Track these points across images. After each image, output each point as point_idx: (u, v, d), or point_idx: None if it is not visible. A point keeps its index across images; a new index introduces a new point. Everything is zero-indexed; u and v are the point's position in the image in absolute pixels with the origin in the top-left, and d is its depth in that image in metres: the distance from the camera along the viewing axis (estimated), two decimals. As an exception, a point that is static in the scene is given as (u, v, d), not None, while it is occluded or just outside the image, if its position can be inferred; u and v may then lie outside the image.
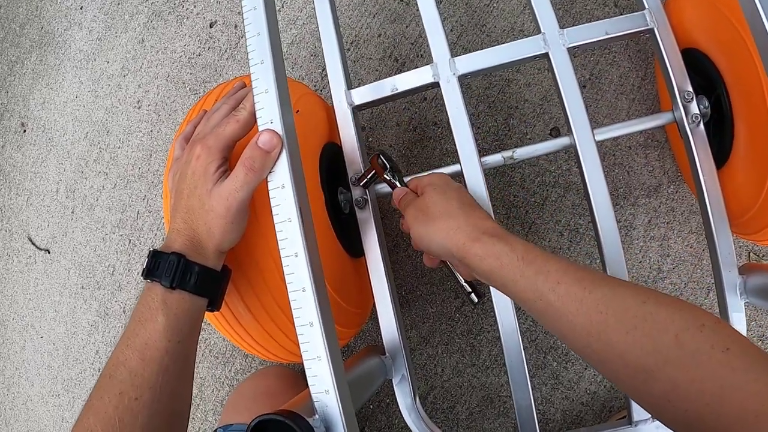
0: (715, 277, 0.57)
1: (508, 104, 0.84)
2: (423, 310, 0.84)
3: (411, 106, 0.88)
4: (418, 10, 0.65)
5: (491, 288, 0.57)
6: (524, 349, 0.59)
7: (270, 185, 0.42)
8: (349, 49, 0.93)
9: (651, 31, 0.57)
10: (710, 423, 0.30)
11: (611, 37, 0.58)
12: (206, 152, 0.42)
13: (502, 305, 0.58)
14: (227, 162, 0.44)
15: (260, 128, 0.42)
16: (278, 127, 0.42)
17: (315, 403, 0.40)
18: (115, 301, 1.01)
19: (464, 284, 0.56)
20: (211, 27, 1.01)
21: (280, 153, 0.41)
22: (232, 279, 0.48)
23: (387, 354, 0.62)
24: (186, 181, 0.43)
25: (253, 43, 0.45)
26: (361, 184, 0.60)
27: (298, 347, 0.40)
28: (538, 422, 0.58)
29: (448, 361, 0.82)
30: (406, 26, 0.91)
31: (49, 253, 1.08)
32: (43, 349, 1.07)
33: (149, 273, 0.41)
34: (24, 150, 1.14)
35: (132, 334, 0.40)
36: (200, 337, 0.60)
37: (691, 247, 0.75)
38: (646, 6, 0.58)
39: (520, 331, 0.58)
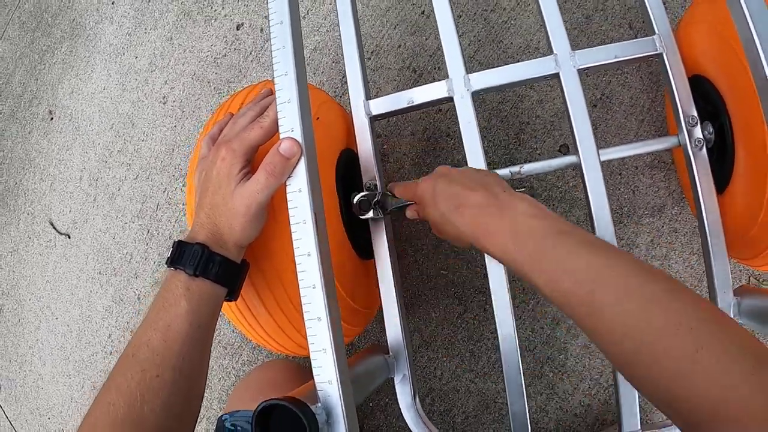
0: (710, 297, 0.59)
1: (520, 119, 0.87)
2: (426, 314, 0.86)
3: (426, 116, 0.91)
4: (437, 25, 0.68)
5: (492, 295, 0.60)
6: (522, 358, 0.60)
7: (288, 189, 0.45)
8: (369, 58, 0.96)
9: (660, 56, 0.60)
10: (708, 416, 0.31)
11: (620, 61, 0.61)
12: (231, 155, 0.46)
13: (502, 314, 0.60)
14: (250, 165, 0.47)
15: (281, 136, 0.45)
16: (298, 135, 0.45)
17: (318, 392, 0.42)
18: (131, 288, 1.05)
19: None
20: (237, 29, 1.05)
21: (299, 160, 0.44)
22: (249, 273, 0.51)
23: (390, 353, 0.64)
24: (211, 180, 0.46)
25: (278, 55, 0.48)
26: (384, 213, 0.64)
27: (306, 340, 0.43)
28: (532, 430, 0.60)
29: (448, 365, 0.85)
30: (426, 38, 0.94)
31: (69, 237, 1.12)
32: (58, 330, 1.11)
33: (174, 261, 0.45)
34: (50, 137, 1.19)
35: (155, 318, 0.43)
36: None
37: (691, 268, 0.77)
38: (657, 31, 0.60)
39: (519, 340, 0.61)
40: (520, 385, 0.60)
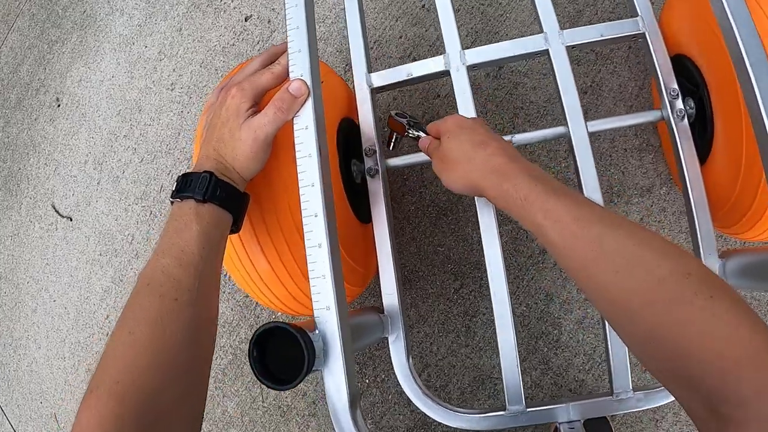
0: (696, 260, 0.61)
1: (514, 105, 0.90)
2: (423, 290, 0.88)
3: (425, 101, 0.94)
4: (437, 16, 0.71)
5: (488, 270, 0.61)
6: (516, 333, 0.61)
7: (295, 126, 0.47)
8: (372, 48, 1.00)
9: (642, 35, 0.63)
10: (690, 367, 0.31)
11: (606, 39, 0.64)
12: (240, 93, 0.48)
13: (498, 289, 0.62)
14: (257, 106, 0.50)
15: (291, 78, 0.48)
16: (307, 79, 0.48)
17: (316, 319, 0.44)
18: (131, 269, 1.07)
19: None
20: (246, 20, 1.09)
21: (306, 100, 0.47)
22: (249, 215, 0.53)
23: (385, 312, 0.66)
24: (220, 116, 0.49)
25: (291, 12, 0.52)
26: (389, 147, 0.65)
27: (308, 297, 0.44)
28: (527, 406, 0.60)
29: (444, 340, 0.86)
30: (426, 30, 0.98)
31: (71, 220, 1.14)
32: (54, 312, 1.12)
33: (180, 191, 0.46)
34: (56, 123, 1.22)
35: (168, 244, 0.44)
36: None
37: (680, 245, 0.80)
38: (639, 13, 0.64)
39: (514, 315, 0.61)
40: (515, 360, 0.61)
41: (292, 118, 0.48)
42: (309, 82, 0.48)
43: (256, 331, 0.42)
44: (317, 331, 0.44)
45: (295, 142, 0.47)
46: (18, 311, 1.18)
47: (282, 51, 0.53)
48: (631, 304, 0.35)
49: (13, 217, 1.23)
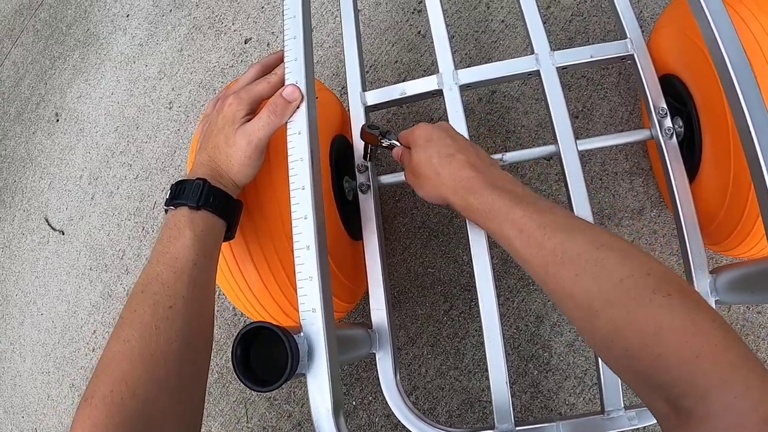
0: (687, 278, 0.61)
1: (506, 128, 0.92)
2: (412, 311, 0.87)
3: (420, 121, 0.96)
4: (432, 42, 0.73)
5: (478, 292, 0.61)
6: (506, 356, 0.61)
7: (288, 131, 0.48)
8: (368, 71, 1.02)
9: (631, 56, 0.65)
10: (649, 363, 0.32)
11: (595, 60, 0.66)
12: (237, 101, 0.49)
13: (488, 310, 0.61)
14: (252, 114, 0.51)
15: (286, 85, 0.49)
16: (302, 86, 0.49)
17: (302, 321, 0.44)
18: (120, 284, 1.06)
19: None
20: (245, 43, 1.12)
21: (299, 105, 0.48)
22: (241, 228, 0.53)
23: (373, 328, 0.65)
24: (216, 124, 0.50)
25: (289, 23, 0.53)
26: (367, 159, 0.66)
27: (296, 309, 0.44)
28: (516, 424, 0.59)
29: (433, 362, 0.85)
30: (420, 55, 1.01)
31: (63, 234, 1.14)
32: (42, 326, 1.10)
33: (174, 198, 0.47)
34: (54, 137, 1.23)
35: (161, 252, 0.44)
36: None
37: (671, 267, 0.80)
38: (628, 35, 0.66)
39: (504, 337, 0.61)
40: (504, 377, 0.60)
41: (286, 123, 0.49)
42: (303, 89, 0.49)
43: (241, 330, 0.42)
44: (302, 334, 0.44)
45: (288, 146, 0.47)
46: (5, 323, 1.16)
47: (275, 61, 0.54)
48: (593, 304, 0.37)
49: (6, 229, 1.22)
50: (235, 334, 0.94)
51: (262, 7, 1.13)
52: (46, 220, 1.17)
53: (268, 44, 1.11)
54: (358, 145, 0.71)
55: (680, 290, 0.34)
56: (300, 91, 0.48)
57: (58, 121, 1.23)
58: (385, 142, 0.62)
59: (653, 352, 0.32)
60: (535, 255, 0.41)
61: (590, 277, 0.37)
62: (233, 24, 1.13)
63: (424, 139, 0.53)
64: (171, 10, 1.21)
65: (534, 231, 0.41)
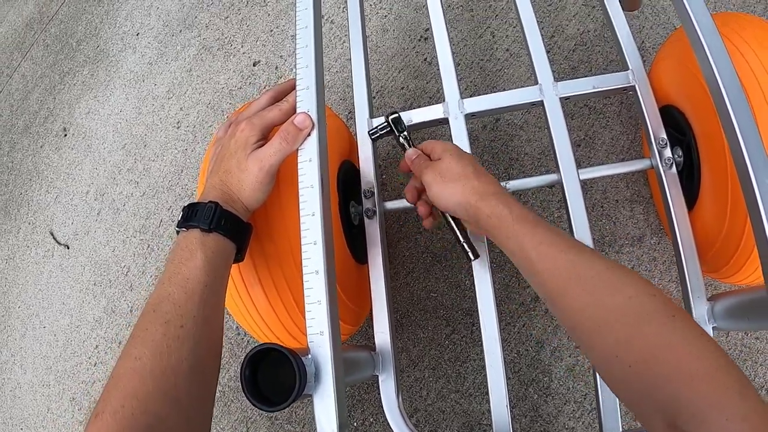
0: (686, 306, 0.62)
1: (510, 156, 0.94)
2: (414, 334, 0.88)
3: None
4: (438, 69, 0.75)
5: (480, 316, 0.63)
6: (507, 380, 0.62)
7: (300, 158, 0.50)
8: (374, 97, 1.04)
9: (633, 87, 0.67)
10: (650, 380, 0.34)
11: (598, 91, 0.68)
12: (249, 127, 0.51)
13: (489, 335, 0.62)
14: (264, 140, 0.52)
15: (297, 112, 0.51)
16: (313, 114, 0.51)
17: (310, 344, 0.45)
18: (124, 300, 1.06)
19: (463, 242, 0.60)
20: (254, 65, 1.14)
21: (310, 132, 0.50)
22: (249, 251, 0.54)
23: (377, 351, 0.66)
24: (229, 148, 0.51)
25: (301, 52, 0.55)
26: (372, 136, 0.67)
27: (302, 332, 0.45)
28: None
29: (434, 385, 0.86)
30: (427, 82, 1.03)
31: (68, 248, 1.15)
32: (43, 339, 1.11)
33: (187, 220, 0.48)
34: (62, 152, 1.24)
35: (173, 273, 0.45)
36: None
37: (670, 295, 0.81)
38: (630, 67, 0.68)
39: (505, 361, 0.62)
40: (505, 400, 0.61)
41: (297, 150, 0.50)
42: (314, 117, 0.51)
43: (250, 351, 0.43)
44: (310, 356, 0.45)
45: (299, 173, 0.49)
46: (6, 335, 1.16)
47: (288, 88, 0.56)
48: (601, 319, 0.38)
49: (10, 241, 1.23)
50: (239, 354, 0.95)
51: (271, 31, 1.16)
52: (52, 234, 1.18)
53: (276, 67, 1.13)
54: (365, 170, 0.73)
55: (682, 313, 0.36)
56: (311, 119, 0.50)
57: (65, 135, 1.25)
58: (402, 139, 0.64)
59: (655, 370, 0.34)
60: (549, 269, 0.43)
61: (601, 293, 0.39)
62: (242, 46, 1.16)
63: (457, 150, 0.56)
64: (181, 31, 1.24)
65: (550, 246, 0.44)
